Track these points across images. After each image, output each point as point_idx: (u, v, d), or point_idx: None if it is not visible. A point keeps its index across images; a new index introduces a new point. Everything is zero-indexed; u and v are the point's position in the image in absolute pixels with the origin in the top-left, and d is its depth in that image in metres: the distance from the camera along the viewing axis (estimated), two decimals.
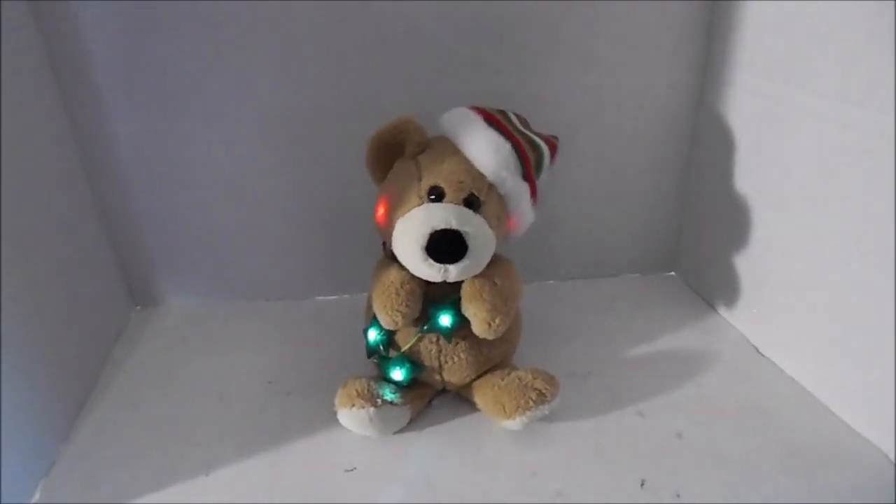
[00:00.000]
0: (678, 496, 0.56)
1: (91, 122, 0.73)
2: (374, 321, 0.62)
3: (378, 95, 0.75)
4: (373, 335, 0.63)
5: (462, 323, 0.60)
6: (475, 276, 0.59)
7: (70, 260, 0.70)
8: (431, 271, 0.57)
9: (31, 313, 0.60)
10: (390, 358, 0.63)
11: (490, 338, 0.60)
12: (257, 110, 0.75)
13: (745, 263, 0.77)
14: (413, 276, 0.59)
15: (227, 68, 0.72)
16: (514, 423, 0.60)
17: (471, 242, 0.56)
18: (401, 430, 0.63)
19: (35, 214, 0.63)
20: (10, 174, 0.58)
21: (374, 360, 0.65)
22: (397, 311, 0.58)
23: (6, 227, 0.57)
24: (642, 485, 0.57)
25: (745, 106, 0.74)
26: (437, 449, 0.62)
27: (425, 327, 0.61)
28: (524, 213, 0.64)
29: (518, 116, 0.64)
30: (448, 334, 0.61)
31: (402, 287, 0.58)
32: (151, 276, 0.84)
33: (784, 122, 0.67)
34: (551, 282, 0.92)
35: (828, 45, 0.61)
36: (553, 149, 0.65)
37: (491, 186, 0.60)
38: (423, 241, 0.55)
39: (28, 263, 0.60)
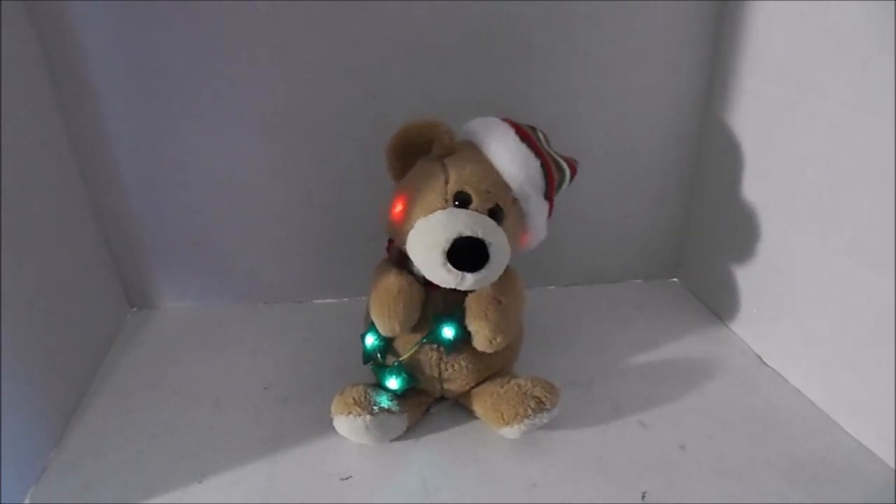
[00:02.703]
0: None
1: (86, 123, 0.72)
2: (371, 326, 0.61)
3: (379, 96, 0.74)
4: (370, 341, 0.62)
5: (464, 335, 0.59)
6: (480, 291, 0.58)
7: (65, 261, 0.69)
8: (448, 277, 0.55)
9: (24, 315, 0.59)
10: (387, 365, 0.62)
11: (489, 352, 0.60)
12: (255, 111, 0.74)
13: (750, 270, 0.76)
14: (412, 283, 0.58)
15: (225, 68, 0.71)
16: (512, 431, 0.59)
17: (492, 253, 0.55)
18: (398, 438, 0.62)
19: (29, 215, 0.62)
20: (3, 175, 0.57)
21: (371, 367, 0.63)
22: (395, 318, 0.57)
23: None
24: (643, 497, 0.56)
25: (752, 110, 0.73)
26: (434, 458, 0.61)
27: (426, 338, 0.60)
28: (538, 231, 0.63)
29: (544, 134, 0.64)
30: (449, 346, 0.60)
31: (399, 294, 0.57)
32: (147, 277, 0.83)
33: (791, 127, 0.66)
34: (552, 287, 0.91)
35: (837, 48, 0.60)
36: (574, 172, 0.65)
37: (515, 200, 0.59)
38: (446, 245, 0.54)
39: (21, 265, 0.59)
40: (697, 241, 0.88)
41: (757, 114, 0.72)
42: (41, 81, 0.68)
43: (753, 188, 0.74)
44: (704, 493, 0.56)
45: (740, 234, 0.76)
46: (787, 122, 0.67)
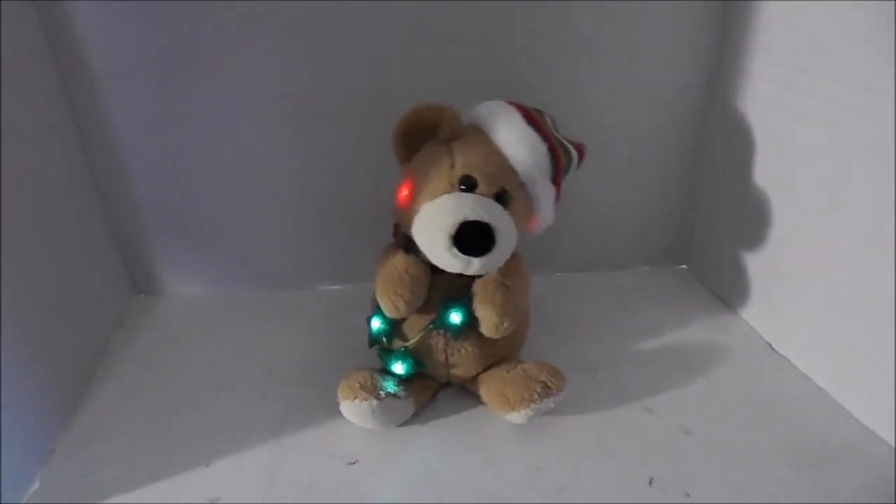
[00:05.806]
0: (687, 495, 0.54)
1: (92, 109, 0.72)
2: (377, 310, 0.61)
3: (383, 83, 0.74)
4: (376, 324, 0.62)
5: (471, 321, 0.59)
6: (487, 276, 0.58)
7: (70, 247, 0.69)
8: (455, 262, 0.55)
9: (31, 301, 0.59)
10: (393, 350, 0.62)
11: (496, 338, 0.60)
12: (260, 97, 0.74)
13: (759, 257, 0.76)
14: (418, 263, 0.58)
15: (229, 54, 0.71)
16: (519, 416, 0.59)
17: (498, 237, 0.54)
18: (404, 423, 0.62)
19: (35, 202, 0.62)
20: (8, 161, 0.57)
21: (377, 351, 0.63)
22: (399, 296, 0.57)
23: (5, 215, 0.56)
24: (650, 483, 0.56)
25: (760, 95, 0.72)
26: (440, 443, 0.61)
27: (433, 323, 0.60)
28: (546, 215, 0.63)
29: (551, 118, 0.63)
30: (456, 332, 0.60)
31: (405, 272, 0.57)
32: (153, 264, 0.83)
33: (800, 112, 0.66)
34: (560, 274, 0.90)
35: (846, 30, 0.59)
36: (581, 156, 0.64)
37: (521, 185, 0.59)
38: (451, 229, 0.54)
39: (28, 252, 0.59)
40: (706, 228, 0.87)
41: (764, 99, 0.71)
42: (46, 68, 0.68)
43: (761, 174, 0.73)
44: (710, 479, 0.56)
45: (748, 220, 0.75)
46: (794, 106, 0.66)
